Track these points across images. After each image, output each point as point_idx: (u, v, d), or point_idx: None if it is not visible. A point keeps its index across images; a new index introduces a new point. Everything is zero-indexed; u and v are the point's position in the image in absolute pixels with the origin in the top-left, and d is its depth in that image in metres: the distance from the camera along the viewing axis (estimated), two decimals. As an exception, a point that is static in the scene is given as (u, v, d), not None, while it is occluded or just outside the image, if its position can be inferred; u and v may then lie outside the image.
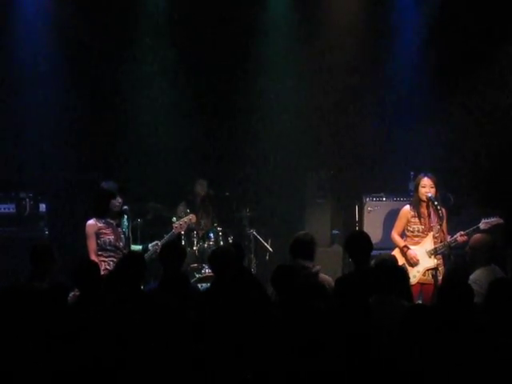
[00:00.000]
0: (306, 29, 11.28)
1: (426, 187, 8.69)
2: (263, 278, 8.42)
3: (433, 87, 11.20)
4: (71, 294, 6.54)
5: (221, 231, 10.31)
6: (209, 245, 10.16)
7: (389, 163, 11.20)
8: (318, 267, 7.34)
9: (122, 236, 8.43)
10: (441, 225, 8.56)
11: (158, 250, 8.46)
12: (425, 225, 8.73)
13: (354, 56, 11.25)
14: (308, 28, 11.28)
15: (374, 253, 7.46)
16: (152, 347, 5.48)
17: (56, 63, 10.92)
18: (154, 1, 11.25)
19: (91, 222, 8.35)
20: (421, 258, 8.63)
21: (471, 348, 5.32)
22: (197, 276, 9.71)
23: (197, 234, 10.27)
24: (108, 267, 8.12)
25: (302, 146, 11.40)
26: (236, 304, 6.03)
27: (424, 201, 8.71)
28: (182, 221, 9.06)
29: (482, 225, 8.63)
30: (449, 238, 8.59)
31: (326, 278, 7.26)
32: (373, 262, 7.00)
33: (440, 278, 8.46)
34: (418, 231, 8.75)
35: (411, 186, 9.58)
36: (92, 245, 8.28)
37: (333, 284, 6.67)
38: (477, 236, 7.85)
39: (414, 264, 8.62)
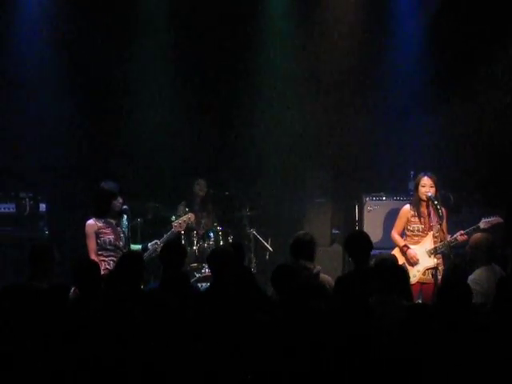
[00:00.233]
0: (306, 29, 11.28)
1: (426, 187, 8.69)
2: (263, 278, 8.44)
3: (433, 87, 11.20)
4: (72, 290, 6.55)
5: (221, 231, 10.32)
6: (209, 244, 10.16)
7: (389, 163, 11.20)
8: (318, 268, 7.34)
9: (122, 235, 8.43)
10: (441, 224, 8.56)
11: (158, 249, 8.48)
12: (425, 224, 8.73)
13: (354, 56, 11.25)
14: (308, 28, 11.28)
15: (373, 252, 7.46)
16: (152, 347, 5.48)
17: (55, 63, 10.92)
18: (154, 0, 11.25)
19: (91, 221, 8.34)
20: (421, 257, 8.64)
21: (471, 347, 5.33)
22: (197, 276, 9.72)
23: (197, 233, 10.27)
24: (108, 267, 8.12)
25: (302, 146, 11.40)
26: (235, 304, 6.03)
27: (424, 200, 8.71)
28: (181, 220, 9.06)
29: (482, 224, 8.63)
30: (449, 238, 8.60)
31: (327, 278, 7.26)
32: (373, 262, 7.00)
33: (440, 277, 8.46)
34: (418, 230, 8.75)
35: (411, 186, 9.59)
36: (92, 244, 8.28)
37: (333, 284, 6.67)
38: (477, 235, 7.85)
39: (413, 263, 8.62)
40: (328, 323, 5.56)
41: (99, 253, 8.27)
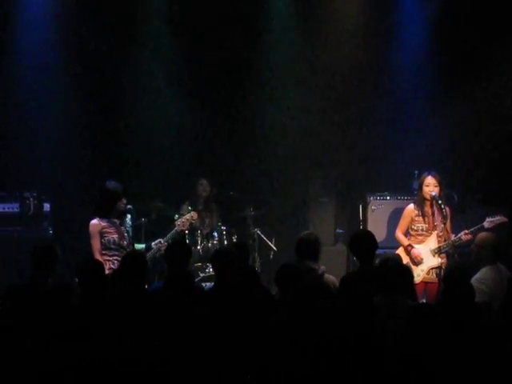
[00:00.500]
0: (307, 28, 11.28)
1: (430, 186, 8.68)
2: (267, 277, 8.43)
3: (437, 86, 11.19)
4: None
5: (225, 230, 10.32)
6: (213, 244, 10.17)
7: (393, 162, 11.19)
8: (323, 268, 7.32)
9: (126, 235, 8.43)
10: (445, 223, 8.56)
11: (162, 249, 8.48)
12: (429, 224, 8.72)
13: (357, 56, 11.24)
14: (310, 28, 11.27)
15: (378, 251, 7.45)
16: (156, 346, 5.49)
17: (58, 63, 10.91)
18: (156, 1, 11.25)
19: (95, 221, 8.34)
20: (425, 256, 8.63)
21: (476, 347, 5.32)
22: (201, 275, 9.73)
23: (201, 233, 10.27)
24: (112, 266, 8.11)
25: (306, 146, 11.40)
26: (239, 303, 6.02)
27: (428, 199, 8.70)
28: (184, 218, 9.06)
29: (487, 223, 8.62)
30: (453, 237, 8.59)
31: (331, 279, 7.23)
32: (377, 261, 6.99)
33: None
34: (422, 230, 8.75)
35: (415, 185, 9.57)
36: (96, 244, 8.28)
37: (337, 284, 6.66)
38: (483, 234, 7.83)
39: (418, 263, 8.61)
40: (333, 323, 5.56)
41: (103, 252, 8.27)
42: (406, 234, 8.84)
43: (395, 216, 9.66)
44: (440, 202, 8.58)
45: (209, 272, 9.78)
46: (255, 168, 11.42)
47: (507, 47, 11.03)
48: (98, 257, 8.13)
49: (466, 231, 8.57)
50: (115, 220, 8.40)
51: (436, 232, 8.65)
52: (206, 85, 11.33)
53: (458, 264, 8.11)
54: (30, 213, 10.23)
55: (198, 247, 10.16)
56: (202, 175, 10.81)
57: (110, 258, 8.24)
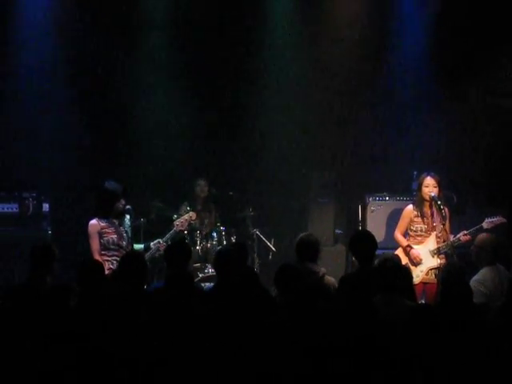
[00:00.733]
0: (308, 28, 11.28)
1: (429, 187, 8.69)
2: (266, 278, 8.42)
3: (436, 87, 11.20)
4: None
5: (224, 231, 10.32)
6: (212, 244, 10.17)
7: (392, 163, 11.20)
8: (323, 270, 7.31)
9: (125, 235, 8.44)
10: (444, 224, 8.56)
11: (161, 248, 8.49)
12: (428, 224, 8.73)
13: (357, 57, 11.24)
14: (310, 28, 11.27)
15: (377, 252, 7.44)
16: (155, 346, 5.48)
17: (58, 62, 10.92)
18: (155, 2, 11.25)
19: (93, 221, 8.35)
20: (424, 257, 8.64)
21: (475, 347, 5.32)
22: (200, 276, 9.73)
23: (200, 233, 10.28)
24: (112, 266, 8.12)
25: (306, 146, 11.40)
26: (240, 304, 6.02)
27: (427, 200, 8.71)
28: (183, 218, 9.07)
29: (486, 224, 8.63)
30: (452, 238, 8.59)
31: (332, 280, 7.22)
32: (376, 262, 6.99)
33: (442, 277, 8.47)
34: (421, 231, 8.75)
35: (414, 186, 9.57)
36: (95, 244, 8.28)
37: (337, 285, 6.66)
38: (482, 235, 7.83)
39: (417, 263, 8.62)
40: (332, 323, 5.56)
41: (102, 252, 8.27)
42: (405, 234, 8.84)
43: (394, 217, 9.66)
44: (439, 202, 8.58)
45: (208, 272, 9.79)
46: (254, 168, 11.43)
47: (505, 48, 11.03)
48: (97, 257, 8.14)
49: (465, 232, 8.57)
50: (114, 220, 8.41)
51: (435, 233, 8.66)
52: (206, 85, 11.33)
53: (455, 265, 8.11)
54: (28, 213, 10.23)
55: (197, 247, 10.16)
56: (200, 176, 10.81)
57: (109, 259, 8.25)
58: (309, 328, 5.53)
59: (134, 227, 9.02)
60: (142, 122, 11.21)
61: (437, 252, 8.60)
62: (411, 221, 8.78)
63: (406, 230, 8.82)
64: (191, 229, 10.06)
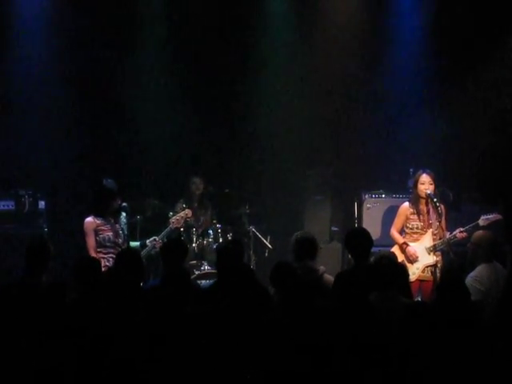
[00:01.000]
0: (305, 27, 11.28)
1: (425, 184, 8.69)
2: (263, 275, 8.42)
3: (432, 85, 11.20)
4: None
5: (220, 228, 10.31)
6: (208, 242, 10.17)
7: (388, 160, 11.20)
8: (323, 268, 7.31)
9: (121, 232, 8.44)
10: (440, 221, 8.56)
11: (156, 246, 8.49)
12: (424, 222, 8.73)
13: (354, 54, 11.25)
14: (307, 27, 11.28)
15: (373, 249, 7.45)
16: (151, 344, 5.49)
17: (56, 61, 10.91)
18: (154, 3, 11.27)
19: (89, 219, 8.36)
20: (420, 254, 8.64)
21: (470, 345, 5.33)
22: (196, 273, 9.73)
23: (196, 230, 10.27)
24: (108, 264, 8.13)
25: (302, 143, 11.40)
26: (241, 301, 6.02)
27: (423, 197, 8.71)
28: (179, 216, 9.07)
29: (481, 221, 8.64)
30: (448, 235, 8.60)
31: (331, 279, 7.19)
32: (372, 259, 6.99)
33: (439, 274, 8.46)
34: (417, 228, 8.75)
35: (410, 183, 9.57)
36: (91, 242, 8.29)
37: (334, 283, 6.66)
38: (479, 232, 7.84)
39: (413, 261, 8.62)
40: (328, 321, 5.56)
41: (98, 250, 8.29)
42: (401, 232, 8.84)
43: (390, 214, 9.66)
44: (435, 200, 8.58)
45: (204, 270, 9.80)
46: (251, 166, 11.43)
47: (504, 45, 11.04)
48: (93, 254, 8.14)
49: (461, 229, 8.58)
50: (110, 218, 8.41)
51: (431, 230, 8.66)
52: (202, 84, 11.33)
53: (455, 262, 8.12)
54: (25, 210, 10.21)
55: (194, 245, 10.15)
56: (195, 173, 10.81)
57: (105, 256, 8.26)
58: (305, 326, 5.54)
59: (130, 224, 9.02)
60: (138, 120, 11.20)
61: (433, 249, 8.60)
62: (407, 218, 8.79)
63: (402, 227, 8.83)
64: (187, 226, 10.06)
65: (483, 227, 8.43)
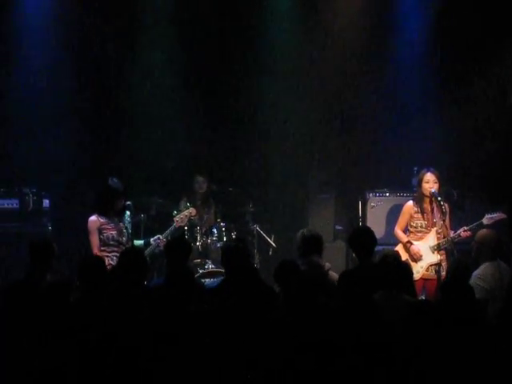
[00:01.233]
0: (307, 27, 11.26)
1: (430, 182, 8.68)
2: (267, 274, 8.42)
3: (437, 84, 11.19)
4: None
5: (224, 227, 10.31)
6: (212, 240, 10.17)
7: (392, 159, 11.19)
8: (328, 265, 7.32)
9: (124, 231, 8.44)
10: (444, 220, 8.55)
11: (160, 244, 8.49)
12: (428, 220, 8.72)
13: (357, 53, 11.24)
14: (309, 26, 11.26)
15: (377, 248, 7.45)
16: (155, 342, 5.49)
17: (57, 59, 10.90)
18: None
19: (93, 218, 8.36)
20: (424, 253, 8.63)
21: (474, 343, 5.32)
22: (200, 271, 9.73)
23: (200, 229, 10.27)
24: (111, 262, 8.12)
25: (306, 142, 11.40)
26: (245, 301, 6.02)
27: (427, 196, 8.70)
28: (183, 214, 9.07)
29: (486, 220, 8.64)
30: (452, 234, 8.59)
31: (336, 276, 7.19)
32: (376, 258, 6.99)
33: (443, 273, 8.46)
34: (421, 227, 8.74)
35: (414, 182, 9.56)
36: (95, 240, 8.30)
37: (339, 281, 6.66)
38: (483, 231, 7.84)
39: (417, 259, 8.61)
40: (333, 319, 5.56)
41: (102, 248, 8.29)
42: (405, 230, 8.84)
43: (394, 213, 9.66)
44: (439, 198, 8.57)
45: (208, 268, 9.80)
46: (255, 164, 11.43)
47: (508, 43, 11.02)
48: (96, 253, 8.14)
49: (466, 228, 8.57)
50: (114, 217, 8.41)
51: (435, 229, 8.65)
52: (206, 82, 11.33)
53: (462, 261, 8.10)
54: (29, 209, 10.22)
55: (198, 243, 10.14)
56: (198, 172, 10.80)
57: (109, 254, 8.26)
58: (309, 324, 5.53)
59: (134, 223, 9.02)
60: (142, 118, 11.20)
61: (437, 248, 8.59)
62: (411, 217, 8.78)
63: (406, 226, 8.82)
64: (191, 225, 10.06)
65: (487, 226, 8.42)
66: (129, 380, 5.38)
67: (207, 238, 10.21)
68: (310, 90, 11.37)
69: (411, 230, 8.80)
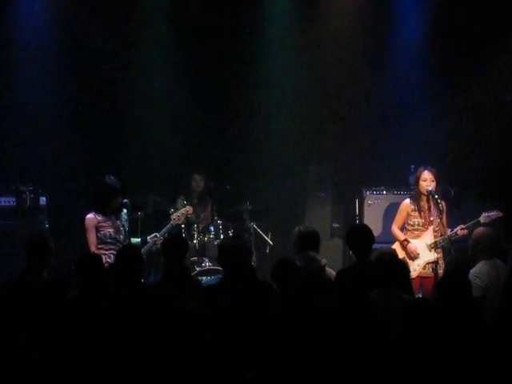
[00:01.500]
0: (306, 24, 11.29)
1: (427, 181, 8.68)
2: (264, 272, 8.43)
3: (434, 82, 11.19)
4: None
5: (221, 225, 10.31)
6: (209, 238, 10.17)
7: (389, 156, 11.20)
8: (325, 260, 7.32)
9: (122, 229, 8.44)
10: (441, 218, 8.56)
11: (157, 242, 8.49)
12: (425, 218, 8.73)
13: (356, 51, 11.24)
14: (308, 23, 11.28)
15: (374, 246, 7.45)
16: (153, 340, 5.49)
17: (55, 58, 10.93)
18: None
19: (90, 215, 8.35)
20: (421, 251, 8.64)
21: (472, 341, 5.33)
22: (197, 269, 9.73)
23: (197, 227, 10.27)
24: (109, 260, 8.11)
25: (303, 140, 11.40)
26: (243, 298, 6.02)
27: (424, 194, 8.71)
28: (180, 212, 9.06)
29: (483, 218, 8.63)
30: (449, 232, 8.60)
31: (332, 273, 7.21)
32: (373, 256, 6.99)
33: (440, 271, 8.46)
34: (418, 225, 8.75)
35: (411, 180, 9.57)
36: (92, 238, 8.28)
37: (335, 279, 6.66)
38: (480, 229, 7.85)
39: (414, 258, 8.62)
40: (329, 318, 5.56)
41: (99, 246, 8.28)
42: (402, 228, 8.84)
43: (391, 211, 9.66)
44: (436, 196, 8.58)
45: (205, 266, 9.81)
46: (252, 162, 11.43)
47: (507, 40, 11.02)
48: (94, 251, 8.13)
49: (462, 226, 8.57)
50: (111, 214, 8.40)
51: (432, 227, 8.66)
52: (203, 80, 11.34)
53: (458, 259, 8.12)
54: (26, 206, 10.20)
55: (195, 241, 10.15)
56: (195, 170, 10.81)
57: (106, 252, 8.25)
58: (306, 322, 5.54)
59: (131, 221, 9.02)
60: (138, 116, 11.20)
61: (434, 246, 8.60)
62: (408, 215, 8.78)
63: (403, 224, 8.83)
64: (188, 222, 10.06)
65: (484, 224, 8.42)
66: (126, 377, 5.38)
67: (204, 236, 10.21)
68: (307, 88, 11.38)
69: (408, 228, 8.80)
